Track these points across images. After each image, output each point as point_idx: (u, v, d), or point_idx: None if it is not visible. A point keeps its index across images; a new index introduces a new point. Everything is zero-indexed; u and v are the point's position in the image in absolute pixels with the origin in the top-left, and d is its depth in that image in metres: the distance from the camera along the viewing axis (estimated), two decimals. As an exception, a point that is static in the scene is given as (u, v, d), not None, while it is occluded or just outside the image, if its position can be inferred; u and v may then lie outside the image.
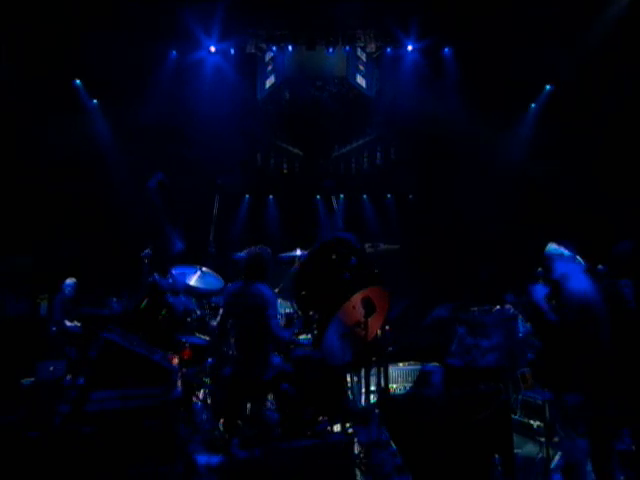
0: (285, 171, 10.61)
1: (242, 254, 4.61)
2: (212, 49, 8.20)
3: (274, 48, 8.32)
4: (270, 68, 9.53)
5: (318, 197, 10.62)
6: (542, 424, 4.49)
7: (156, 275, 3.78)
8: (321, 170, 10.43)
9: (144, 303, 3.47)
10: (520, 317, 5.01)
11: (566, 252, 3.57)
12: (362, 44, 7.88)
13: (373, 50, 7.87)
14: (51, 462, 2.53)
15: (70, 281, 6.54)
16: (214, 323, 3.71)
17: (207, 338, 3.88)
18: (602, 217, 6.09)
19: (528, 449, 4.30)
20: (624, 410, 3.26)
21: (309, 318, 3.15)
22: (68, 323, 6.25)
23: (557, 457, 4.05)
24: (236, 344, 3.33)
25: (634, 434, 3.40)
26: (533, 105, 8.35)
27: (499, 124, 8.07)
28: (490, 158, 8.07)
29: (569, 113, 7.30)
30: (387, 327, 3.65)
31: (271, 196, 10.67)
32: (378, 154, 10.24)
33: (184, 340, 3.72)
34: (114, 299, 6.20)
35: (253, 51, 8.36)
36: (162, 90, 8.29)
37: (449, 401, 3.58)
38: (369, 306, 2.98)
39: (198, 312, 4.01)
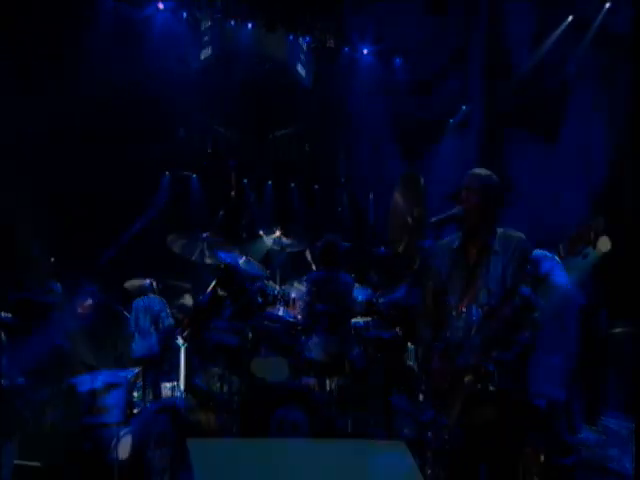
0: (209, 150, 10.09)
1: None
2: (160, 6, 7.35)
3: (232, 22, 7.88)
4: (207, 38, 8.96)
5: (245, 181, 10.37)
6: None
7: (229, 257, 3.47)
8: (249, 154, 10.22)
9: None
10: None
11: (548, 254, 4.60)
12: (321, 38, 8.06)
13: (332, 46, 8.12)
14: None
15: None
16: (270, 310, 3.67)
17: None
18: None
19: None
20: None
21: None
22: (-6, 314, 5.04)
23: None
24: (326, 328, 3.47)
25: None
26: (451, 120, 9.72)
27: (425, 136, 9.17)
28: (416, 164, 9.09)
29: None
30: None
31: (194, 175, 10.00)
32: (306, 144, 10.54)
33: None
34: (57, 283, 5.25)
35: (208, 21, 7.78)
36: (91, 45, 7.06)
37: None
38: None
39: (259, 299, 3.83)
